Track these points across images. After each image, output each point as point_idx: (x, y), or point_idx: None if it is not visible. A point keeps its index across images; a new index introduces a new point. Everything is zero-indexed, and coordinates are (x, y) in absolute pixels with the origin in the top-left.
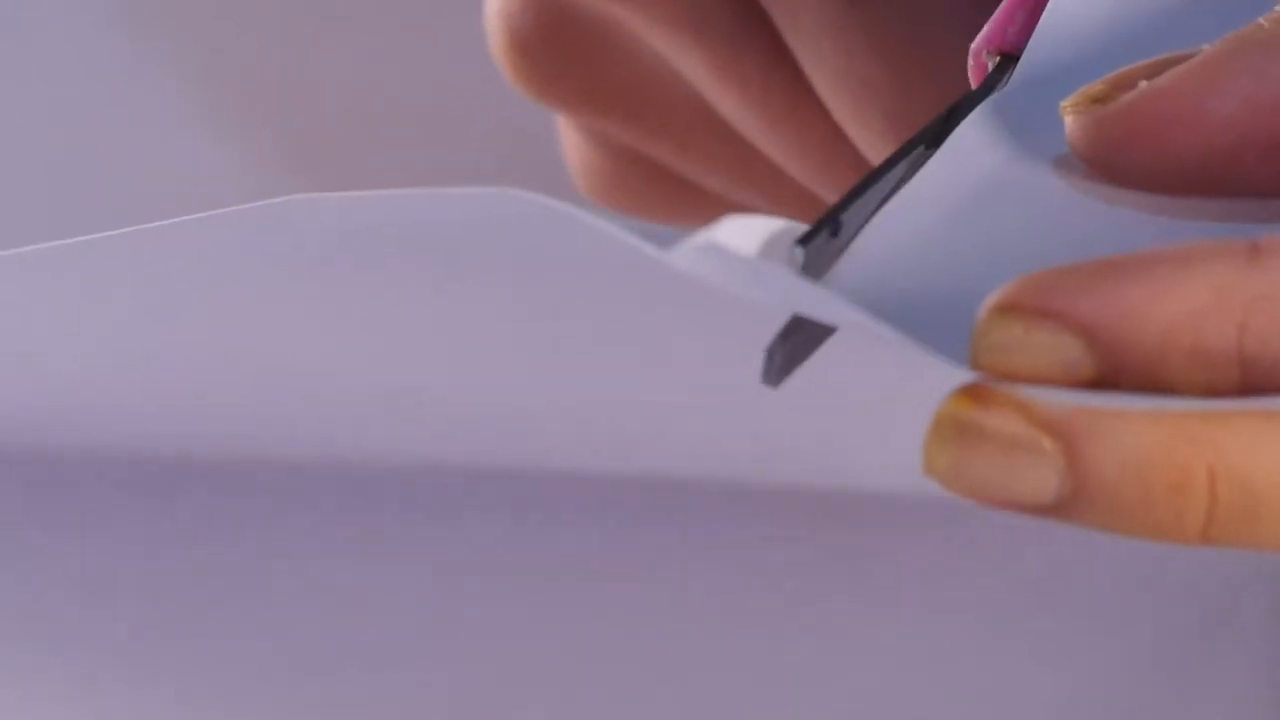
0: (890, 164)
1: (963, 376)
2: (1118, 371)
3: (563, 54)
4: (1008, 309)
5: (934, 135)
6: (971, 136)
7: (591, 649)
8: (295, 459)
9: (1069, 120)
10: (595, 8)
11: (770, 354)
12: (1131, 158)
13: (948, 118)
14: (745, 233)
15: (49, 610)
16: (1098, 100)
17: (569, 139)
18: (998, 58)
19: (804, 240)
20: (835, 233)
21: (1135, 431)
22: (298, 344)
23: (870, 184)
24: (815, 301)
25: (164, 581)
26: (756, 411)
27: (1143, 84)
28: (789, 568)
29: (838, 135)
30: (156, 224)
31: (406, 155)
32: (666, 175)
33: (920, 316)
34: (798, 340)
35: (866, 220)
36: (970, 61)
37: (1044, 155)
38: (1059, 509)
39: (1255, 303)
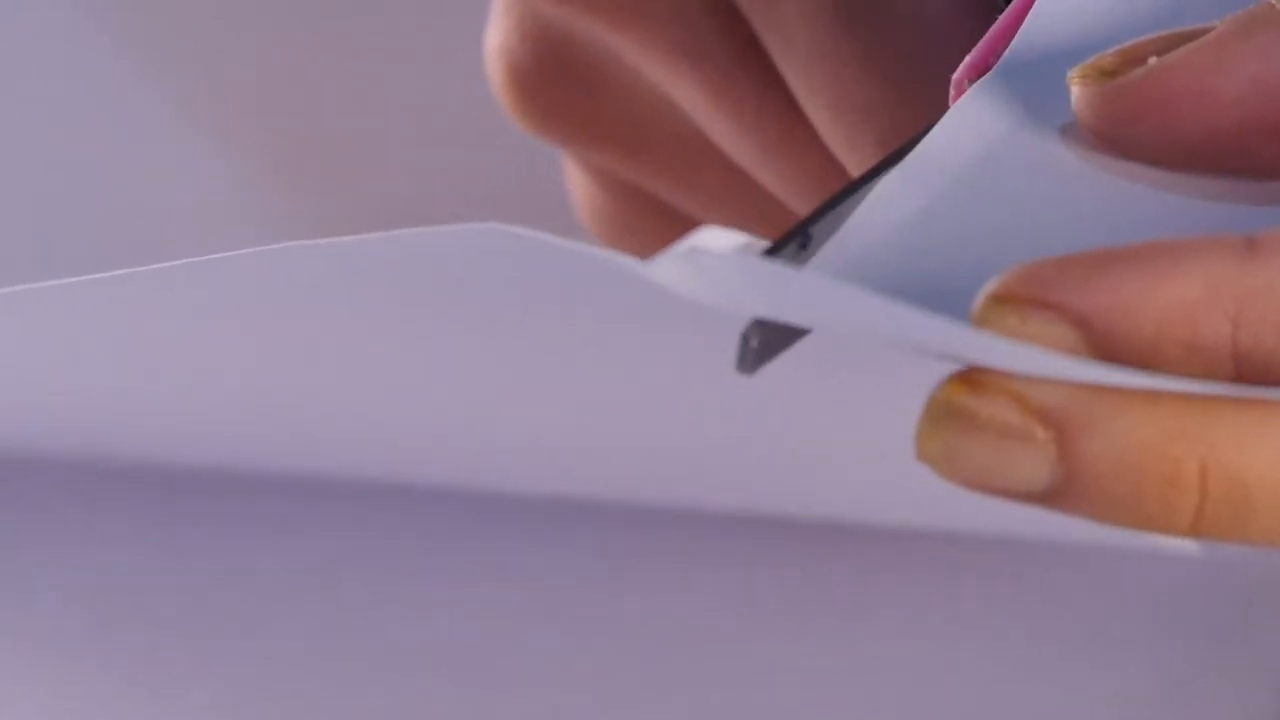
0: (865, 180)
1: (967, 336)
2: (1113, 363)
3: (562, 87)
4: (1004, 299)
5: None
6: (974, 105)
7: (594, 669)
8: (306, 481)
9: (1076, 91)
10: (594, 39)
11: (745, 338)
12: (1138, 133)
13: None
14: (713, 244)
15: (64, 623)
16: (1106, 73)
17: (573, 176)
18: None
19: (772, 251)
20: (805, 245)
21: (1128, 424)
22: (301, 381)
23: (844, 198)
24: (809, 294)
25: (178, 598)
26: (752, 429)
27: (1152, 60)
28: (787, 584)
29: (830, 161)
30: (158, 266)
31: (408, 173)
32: (669, 211)
33: (919, 292)
34: (776, 326)
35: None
36: (952, 91)
37: (1049, 124)
38: (1050, 498)
39: (1250, 298)
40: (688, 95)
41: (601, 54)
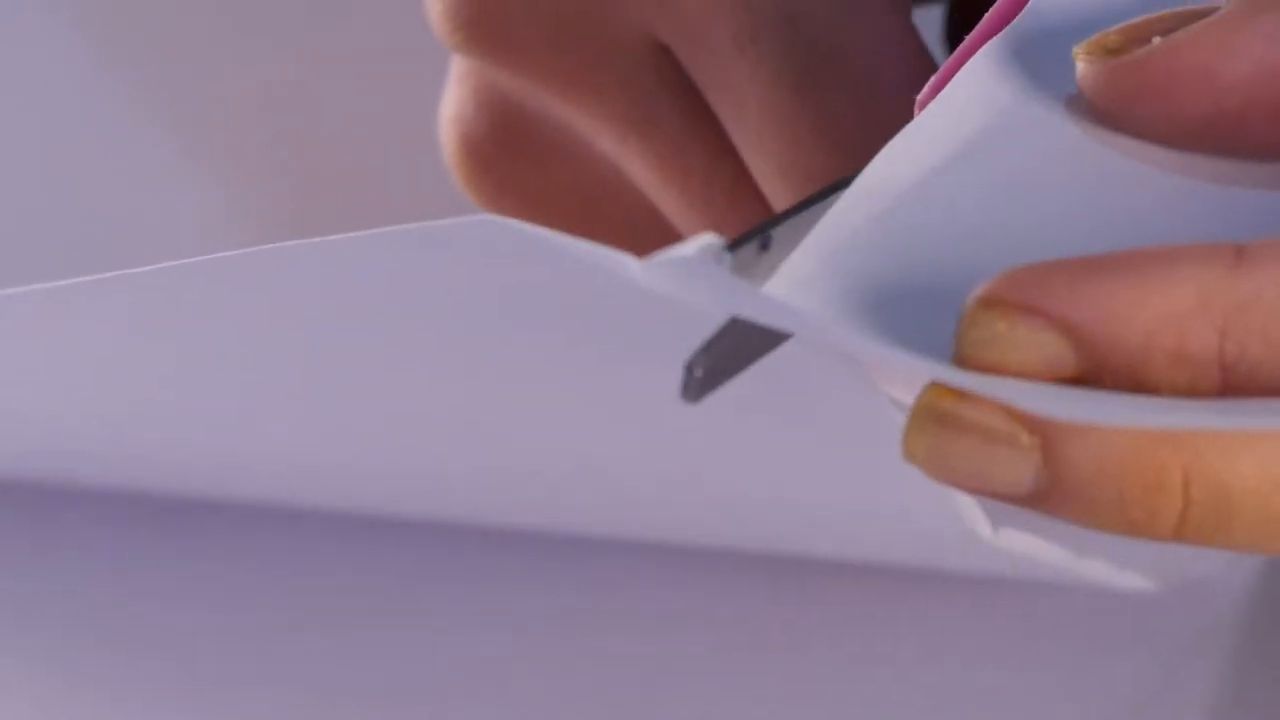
0: (829, 191)
1: (940, 372)
2: (1100, 369)
3: (515, 160)
4: (992, 303)
5: None
6: (981, 72)
7: (583, 705)
8: (300, 499)
9: (1081, 65)
10: (547, 111)
11: (689, 368)
12: (1141, 111)
13: None
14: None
15: (59, 646)
16: (1111, 50)
17: None
18: None
19: (732, 247)
20: (765, 246)
21: (1112, 431)
22: (301, 387)
23: (807, 206)
24: (795, 313)
25: (191, 627)
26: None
27: (1156, 39)
28: (785, 603)
29: None
30: (150, 268)
31: (407, 176)
32: None
33: (916, 274)
34: (723, 354)
35: (799, 241)
36: (916, 112)
37: (1053, 97)
38: (1035, 500)
39: (1238, 308)
40: (636, 167)
41: (554, 126)
